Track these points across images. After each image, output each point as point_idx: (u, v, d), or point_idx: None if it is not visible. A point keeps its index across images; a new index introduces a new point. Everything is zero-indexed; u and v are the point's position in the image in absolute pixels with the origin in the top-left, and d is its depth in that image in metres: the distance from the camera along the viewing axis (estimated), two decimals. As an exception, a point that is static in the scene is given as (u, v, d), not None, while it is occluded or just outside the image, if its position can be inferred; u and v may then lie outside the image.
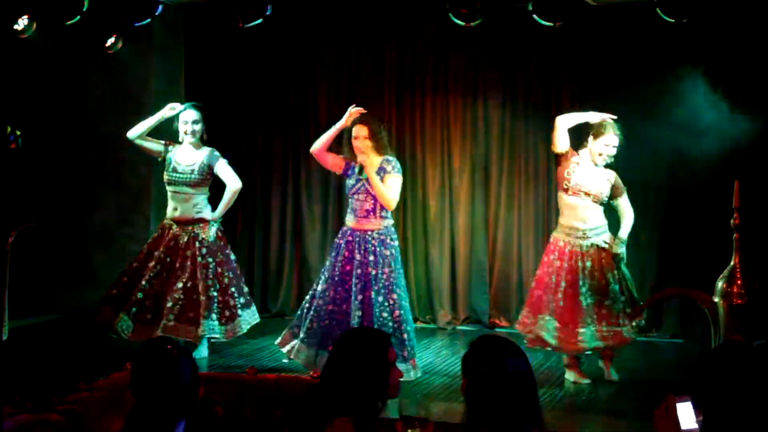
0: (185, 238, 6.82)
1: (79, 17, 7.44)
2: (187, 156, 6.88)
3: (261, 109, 9.05)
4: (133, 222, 8.74)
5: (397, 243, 6.41)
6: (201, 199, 6.89)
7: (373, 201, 6.26)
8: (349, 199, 6.42)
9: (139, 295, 6.77)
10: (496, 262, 8.57)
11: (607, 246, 6.43)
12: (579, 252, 6.44)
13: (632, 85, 8.14)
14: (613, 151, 6.46)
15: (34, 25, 7.57)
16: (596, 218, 6.48)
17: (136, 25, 7.61)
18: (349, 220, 6.39)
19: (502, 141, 8.55)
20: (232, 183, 6.89)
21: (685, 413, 2.63)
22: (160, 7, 7.52)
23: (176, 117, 6.92)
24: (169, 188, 6.92)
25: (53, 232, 8.66)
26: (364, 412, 2.99)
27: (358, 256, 6.25)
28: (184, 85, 8.98)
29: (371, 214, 6.27)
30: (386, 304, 6.20)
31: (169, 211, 6.92)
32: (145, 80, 8.70)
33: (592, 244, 6.43)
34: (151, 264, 6.80)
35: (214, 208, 6.95)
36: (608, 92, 8.23)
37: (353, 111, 6.38)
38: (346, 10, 8.58)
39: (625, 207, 6.55)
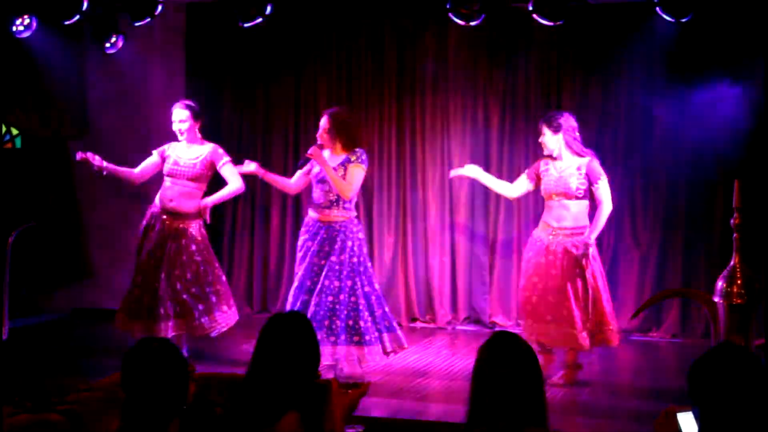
0: (174, 232, 6.72)
1: (78, 17, 7.45)
2: (189, 150, 6.78)
3: (260, 108, 9.04)
4: (133, 222, 8.73)
5: (361, 234, 6.31)
6: (197, 192, 6.78)
7: (336, 192, 6.20)
8: (313, 187, 6.32)
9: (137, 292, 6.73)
10: (496, 262, 8.57)
11: (574, 250, 6.24)
12: (545, 249, 6.34)
13: (632, 84, 8.14)
14: (542, 139, 6.37)
15: (34, 25, 7.58)
16: (572, 218, 6.32)
17: (136, 25, 7.62)
18: (312, 211, 6.31)
19: (501, 141, 8.54)
20: (236, 182, 6.79)
21: (687, 423, 2.61)
22: (160, 7, 7.53)
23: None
24: (168, 180, 6.77)
25: (53, 232, 8.67)
26: (308, 400, 2.99)
27: (326, 248, 6.20)
28: (184, 85, 8.98)
29: (334, 205, 6.22)
30: (345, 288, 6.14)
31: (164, 200, 6.75)
32: (145, 80, 8.71)
33: (559, 244, 6.30)
34: (144, 260, 6.73)
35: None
36: (608, 92, 8.24)
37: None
38: (346, 9, 8.58)
39: (598, 197, 6.30)
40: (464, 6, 7.14)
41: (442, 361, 7.14)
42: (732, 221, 5.81)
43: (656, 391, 6.34)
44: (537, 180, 6.50)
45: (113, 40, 8.02)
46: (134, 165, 8.78)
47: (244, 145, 8.98)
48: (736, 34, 7.69)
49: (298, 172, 6.53)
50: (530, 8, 7.04)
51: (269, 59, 8.87)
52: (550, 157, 6.41)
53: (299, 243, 6.39)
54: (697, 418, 2.53)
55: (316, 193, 6.29)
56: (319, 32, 8.74)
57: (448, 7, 7.19)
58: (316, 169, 6.29)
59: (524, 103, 8.46)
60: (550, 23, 7.08)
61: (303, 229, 6.39)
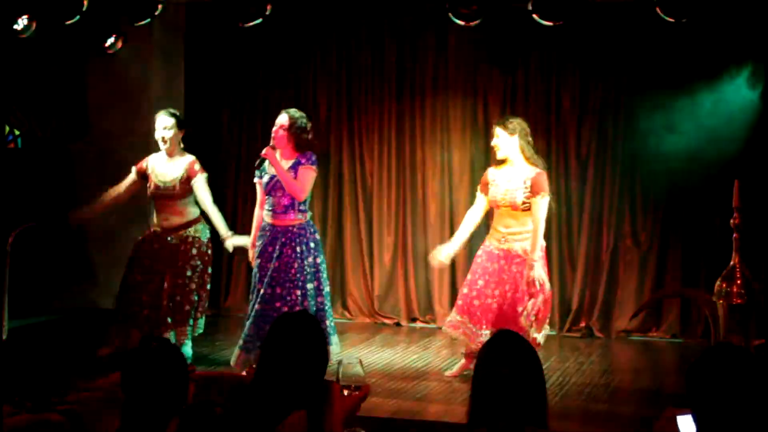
0: (176, 241, 6.68)
1: (78, 17, 7.44)
2: (168, 168, 6.70)
3: (260, 108, 9.04)
4: (133, 222, 8.73)
5: (317, 235, 6.38)
6: (188, 203, 6.73)
7: (290, 196, 6.21)
8: (267, 197, 6.32)
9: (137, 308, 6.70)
10: (496, 262, 8.56)
11: (522, 254, 6.25)
12: (495, 254, 6.36)
13: (631, 85, 8.14)
14: (497, 141, 6.35)
15: (34, 25, 7.57)
16: (518, 224, 6.31)
17: (136, 25, 7.61)
18: (268, 217, 6.31)
19: (501, 141, 8.54)
20: (209, 203, 6.66)
21: (687, 426, 2.61)
22: (160, 7, 7.52)
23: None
24: (155, 202, 6.76)
25: (53, 233, 8.66)
26: (314, 400, 2.98)
27: (287, 251, 6.21)
28: (184, 85, 8.98)
29: (290, 209, 6.25)
30: (313, 289, 6.20)
31: (158, 221, 6.74)
32: (145, 80, 8.70)
33: (509, 248, 6.31)
34: (140, 276, 6.68)
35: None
36: (607, 92, 8.24)
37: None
38: (346, 9, 8.58)
39: (533, 211, 6.23)
40: (464, 6, 7.13)
41: (442, 361, 7.14)
42: (732, 221, 5.81)
43: (656, 392, 6.34)
44: (483, 185, 6.53)
45: (113, 40, 8.02)
46: (133, 164, 8.82)
47: (243, 145, 8.98)
48: (736, 34, 7.70)
49: (258, 193, 6.46)
50: (530, 8, 7.04)
51: (269, 59, 8.87)
52: (498, 163, 6.41)
53: (257, 248, 6.37)
54: (695, 419, 2.53)
55: (270, 201, 6.29)
56: (319, 32, 8.74)
57: (447, 7, 7.19)
58: (264, 179, 6.30)
59: (524, 103, 8.45)
60: (550, 23, 7.08)
61: (260, 234, 6.37)
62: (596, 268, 8.23)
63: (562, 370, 6.79)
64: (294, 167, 6.22)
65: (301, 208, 6.25)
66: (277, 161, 6.19)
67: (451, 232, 8.59)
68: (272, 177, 6.24)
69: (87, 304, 8.85)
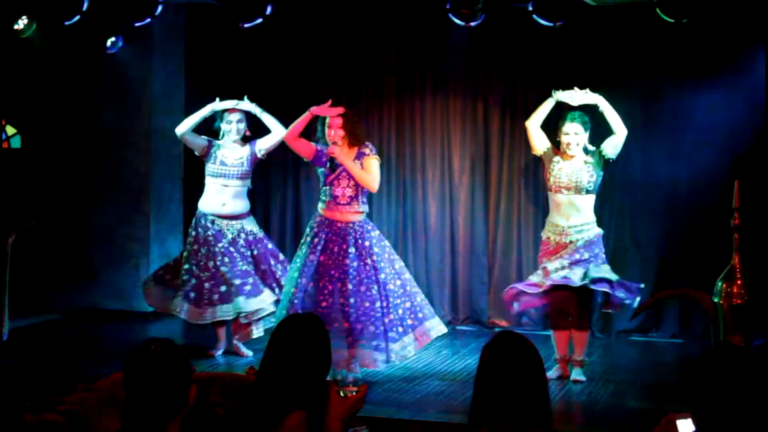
0: (233, 232, 6.91)
1: (78, 17, 7.45)
2: (235, 151, 7.04)
3: (260, 108, 9.03)
4: (133, 221, 8.75)
5: (375, 231, 6.53)
6: (246, 192, 7.05)
7: (355, 187, 6.32)
8: (325, 188, 6.40)
9: (185, 277, 6.91)
10: (496, 262, 8.56)
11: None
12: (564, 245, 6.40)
13: (632, 85, 8.13)
14: (576, 139, 6.41)
15: (34, 25, 7.58)
16: (580, 216, 6.39)
17: (136, 25, 7.62)
18: (324, 209, 6.39)
19: (502, 141, 8.54)
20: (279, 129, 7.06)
21: (686, 430, 2.61)
22: (160, 7, 7.53)
23: (219, 116, 7.09)
24: (215, 181, 6.97)
25: (53, 232, 8.67)
26: (314, 401, 3.00)
27: (352, 250, 6.29)
28: (184, 85, 8.98)
29: (354, 200, 6.34)
30: (370, 293, 6.25)
31: (215, 207, 6.96)
32: (145, 80, 8.71)
33: (571, 241, 6.36)
34: (196, 257, 6.93)
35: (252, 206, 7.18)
36: (608, 93, 8.21)
37: (331, 108, 6.43)
38: (346, 10, 8.58)
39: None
40: (464, 6, 7.14)
41: (442, 361, 7.14)
42: (732, 221, 5.82)
43: (656, 392, 6.35)
44: (548, 152, 6.54)
45: (113, 40, 8.03)
46: (133, 164, 8.82)
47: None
48: (736, 35, 7.70)
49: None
50: (530, 8, 7.05)
51: (269, 59, 8.86)
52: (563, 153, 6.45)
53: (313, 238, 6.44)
54: (694, 419, 2.53)
55: (331, 192, 6.36)
56: (319, 31, 8.73)
57: (448, 7, 7.20)
58: (325, 170, 6.37)
59: (524, 103, 8.45)
60: (550, 24, 7.08)
61: (314, 226, 6.45)
62: (596, 268, 8.21)
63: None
64: (358, 159, 6.35)
65: (363, 200, 6.43)
66: (344, 158, 6.31)
67: (452, 233, 8.63)
68: (338, 165, 6.34)
69: (87, 304, 8.86)
